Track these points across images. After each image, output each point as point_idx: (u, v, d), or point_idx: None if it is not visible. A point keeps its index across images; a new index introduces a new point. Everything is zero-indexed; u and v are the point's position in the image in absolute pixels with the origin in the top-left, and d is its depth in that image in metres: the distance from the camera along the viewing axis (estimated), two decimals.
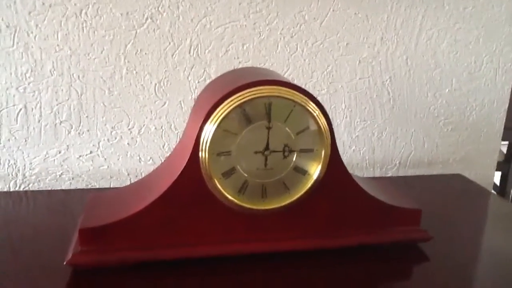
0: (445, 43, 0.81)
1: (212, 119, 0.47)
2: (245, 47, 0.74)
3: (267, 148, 0.49)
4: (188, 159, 0.48)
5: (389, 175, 0.86)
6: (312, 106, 0.49)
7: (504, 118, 0.88)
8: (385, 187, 0.62)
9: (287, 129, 0.49)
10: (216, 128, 0.47)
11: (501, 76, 0.85)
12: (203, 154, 0.47)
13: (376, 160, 0.85)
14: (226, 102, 0.47)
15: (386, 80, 0.81)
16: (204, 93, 0.54)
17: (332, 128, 0.50)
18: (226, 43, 0.73)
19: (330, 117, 0.79)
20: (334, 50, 0.77)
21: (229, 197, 0.49)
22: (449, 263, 0.54)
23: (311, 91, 0.77)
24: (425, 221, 0.57)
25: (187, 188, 0.49)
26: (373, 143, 0.84)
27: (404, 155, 0.86)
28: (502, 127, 0.89)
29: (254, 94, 0.47)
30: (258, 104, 0.48)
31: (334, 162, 0.51)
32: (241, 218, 0.51)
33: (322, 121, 0.50)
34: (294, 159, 0.50)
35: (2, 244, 0.55)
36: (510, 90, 0.87)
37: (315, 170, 0.51)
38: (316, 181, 0.51)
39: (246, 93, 0.47)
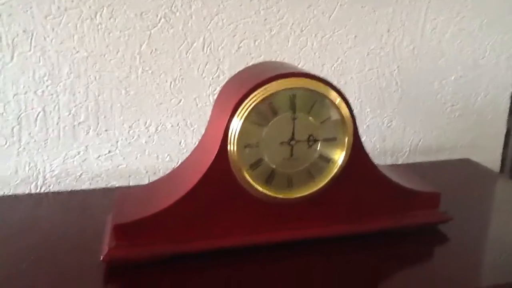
0: (449, 32, 0.83)
1: (239, 113, 0.48)
2: (256, 43, 0.75)
3: (292, 138, 0.51)
4: (217, 153, 0.49)
5: (400, 162, 0.88)
6: (334, 96, 0.50)
7: (509, 103, 0.90)
8: (403, 173, 0.64)
9: (311, 119, 0.51)
10: (243, 121, 0.48)
11: (505, 62, 0.88)
12: (232, 147, 0.49)
13: (387, 149, 0.87)
14: (252, 95, 0.48)
15: (394, 70, 0.82)
16: (226, 89, 0.55)
17: (354, 117, 0.52)
18: (238, 39, 0.74)
19: None
20: (343, 43, 0.79)
21: (258, 188, 0.51)
22: (468, 243, 0.56)
23: None
24: (441, 204, 0.59)
25: (216, 182, 0.50)
26: (384, 132, 0.86)
27: (413, 142, 0.88)
28: (507, 111, 0.91)
29: (279, 86, 0.49)
30: (283, 96, 0.49)
31: (357, 150, 0.53)
32: (268, 208, 0.52)
33: (345, 110, 0.51)
34: (318, 148, 0.52)
35: (29, 246, 0.56)
36: None
37: (338, 158, 0.52)
38: (340, 168, 0.53)
39: (271, 86, 0.49)
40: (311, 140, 0.52)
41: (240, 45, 0.75)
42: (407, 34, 0.81)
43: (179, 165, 0.57)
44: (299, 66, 0.78)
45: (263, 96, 0.48)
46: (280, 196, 0.52)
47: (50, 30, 0.67)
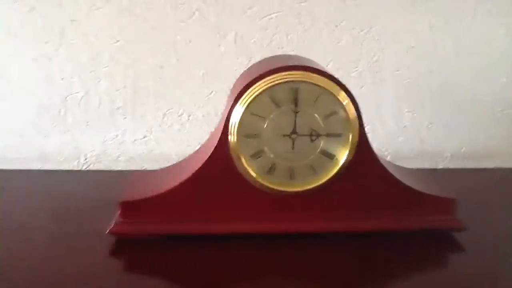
0: (502, 29, 0.77)
1: (241, 103, 0.50)
2: (289, 37, 0.75)
3: (294, 132, 0.51)
4: (218, 141, 0.51)
5: (440, 167, 0.84)
6: (339, 92, 0.50)
7: None
8: (422, 177, 0.61)
9: (314, 114, 0.50)
10: (244, 111, 0.49)
11: None
12: (232, 135, 0.50)
13: (426, 152, 0.83)
14: (254, 86, 0.49)
15: (436, 69, 0.78)
16: (238, 80, 0.56)
17: (361, 114, 0.51)
18: (270, 33, 0.75)
19: (377, 107, 0.79)
20: (380, 39, 0.76)
21: (257, 178, 0.52)
22: (484, 255, 0.52)
23: (356, 80, 0.78)
24: (476, 215, 0.59)
25: (217, 168, 0.52)
26: (422, 134, 0.82)
27: (456, 147, 0.83)
28: None
29: (281, 79, 0.49)
30: (286, 89, 0.49)
31: (363, 147, 0.52)
32: (269, 199, 0.53)
33: (349, 106, 0.50)
34: (321, 143, 0.51)
35: (65, 214, 0.61)
36: None
37: (342, 155, 0.51)
38: (343, 165, 0.52)
39: (273, 78, 0.49)
40: (314, 135, 0.51)
41: (272, 39, 0.75)
42: (451, 31, 0.76)
43: (193, 152, 0.60)
44: (332, 62, 0.77)
45: (264, 87, 0.49)
46: (281, 188, 0.52)
47: (94, 19, 0.73)
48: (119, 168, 0.81)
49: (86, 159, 0.80)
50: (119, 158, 0.80)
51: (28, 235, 0.56)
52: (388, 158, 0.82)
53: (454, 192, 0.56)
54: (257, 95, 0.49)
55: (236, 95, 0.50)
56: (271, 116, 0.50)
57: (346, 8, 0.74)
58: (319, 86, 0.49)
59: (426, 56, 0.77)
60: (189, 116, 0.78)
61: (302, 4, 0.74)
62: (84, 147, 0.79)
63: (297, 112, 0.50)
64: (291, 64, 0.50)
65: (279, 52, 0.76)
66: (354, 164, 0.52)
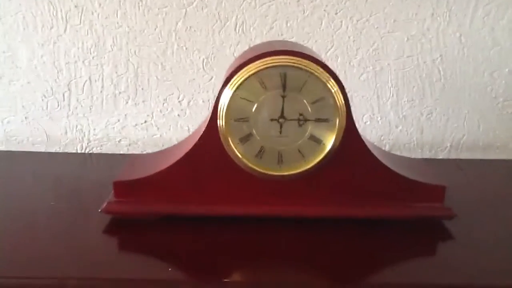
0: (506, 19, 0.76)
1: (229, 86, 0.51)
2: (288, 24, 0.76)
3: (282, 116, 0.52)
4: (208, 124, 0.52)
5: (440, 157, 0.83)
6: (326, 77, 0.50)
7: None
8: (415, 165, 0.61)
9: (302, 98, 0.51)
10: (232, 95, 0.50)
11: None
12: (221, 119, 0.51)
13: (425, 141, 0.82)
14: (243, 70, 0.50)
15: (437, 58, 0.78)
16: (230, 65, 0.57)
17: (348, 99, 0.51)
18: (270, 20, 0.76)
19: (376, 95, 0.79)
20: (380, 27, 0.76)
21: (246, 161, 0.53)
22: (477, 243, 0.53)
23: (356, 68, 0.78)
24: (474, 206, 0.59)
25: (207, 151, 0.53)
26: (422, 124, 0.81)
27: (456, 137, 0.82)
28: None
29: (269, 63, 0.50)
30: (273, 73, 0.50)
31: (350, 133, 0.52)
32: (258, 182, 0.54)
33: (337, 91, 0.51)
34: (309, 128, 0.52)
35: (62, 193, 0.64)
36: None
37: (330, 140, 0.52)
38: (330, 151, 0.52)
39: (261, 62, 0.50)
40: (302, 120, 0.52)
41: (272, 26, 0.76)
42: (454, 20, 0.76)
43: (188, 136, 0.61)
44: (332, 49, 0.77)
45: (252, 71, 0.50)
46: (270, 172, 0.53)
47: (97, 5, 0.74)
48: (121, 152, 0.83)
49: (89, 142, 0.82)
50: (121, 142, 0.82)
51: (32, 211, 0.59)
52: (387, 148, 0.82)
53: (450, 182, 0.56)
54: (246, 79, 0.50)
55: (225, 79, 0.51)
56: (260, 100, 0.51)
57: None
58: (306, 71, 0.50)
59: (427, 45, 0.77)
60: (189, 101, 0.80)
61: None
62: (87, 131, 0.81)
63: (284, 97, 0.51)
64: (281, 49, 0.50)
65: (279, 39, 0.76)
66: (341, 150, 0.52)
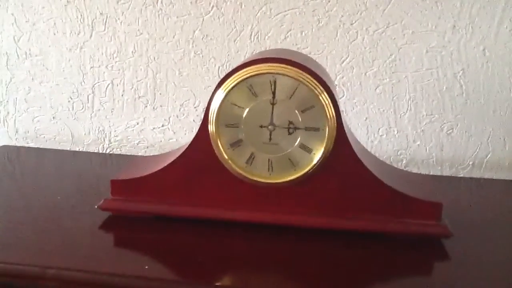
0: None
1: (220, 91, 0.51)
2: (303, 34, 0.76)
3: (271, 123, 0.52)
4: (199, 128, 0.53)
5: (460, 175, 0.79)
6: (316, 86, 0.50)
7: None
8: (418, 180, 0.59)
9: (292, 106, 0.51)
10: (223, 100, 0.51)
11: None
12: (211, 124, 0.52)
13: (445, 159, 0.79)
14: (234, 75, 0.51)
15: (459, 72, 0.74)
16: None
17: (339, 109, 0.50)
18: (285, 29, 0.76)
19: (392, 108, 0.77)
20: (398, 38, 0.74)
21: (236, 167, 0.53)
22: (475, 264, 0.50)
23: (372, 80, 0.76)
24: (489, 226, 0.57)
25: (199, 155, 0.54)
26: (442, 140, 0.78)
27: (479, 155, 0.78)
28: None
29: (260, 70, 0.50)
30: (264, 80, 0.50)
31: (340, 143, 0.51)
32: (248, 188, 0.54)
33: (327, 101, 0.50)
34: (299, 136, 0.52)
35: (77, 189, 0.67)
36: None
37: (320, 149, 0.51)
38: (320, 160, 0.51)
39: (252, 68, 0.51)
40: (292, 128, 0.51)
41: (286, 36, 0.76)
42: (477, 32, 0.72)
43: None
44: (347, 60, 0.76)
45: (244, 76, 0.51)
46: (260, 179, 0.53)
47: (120, 13, 0.78)
48: (139, 154, 0.85)
49: (110, 143, 0.86)
50: (139, 145, 0.85)
51: (51, 204, 0.62)
52: (404, 163, 0.79)
53: (467, 201, 0.54)
54: (236, 84, 0.51)
55: (217, 84, 0.52)
56: (250, 106, 0.51)
57: (363, 5, 0.73)
58: (296, 79, 0.50)
59: (447, 58, 0.74)
60: (204, 108, 0.81)
61: (318, 1, 0.74)
62: (108, 132, 0.85)
63: (274, 104, 0.51)
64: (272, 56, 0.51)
65: (293, 48, 0.76)
66: (331, 160, 0.51)
